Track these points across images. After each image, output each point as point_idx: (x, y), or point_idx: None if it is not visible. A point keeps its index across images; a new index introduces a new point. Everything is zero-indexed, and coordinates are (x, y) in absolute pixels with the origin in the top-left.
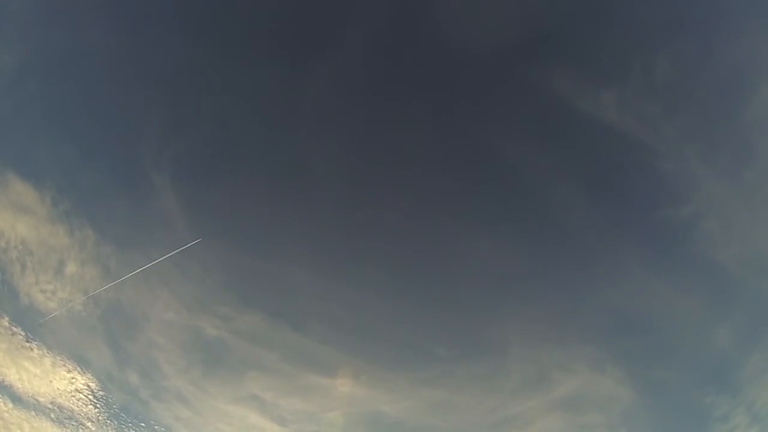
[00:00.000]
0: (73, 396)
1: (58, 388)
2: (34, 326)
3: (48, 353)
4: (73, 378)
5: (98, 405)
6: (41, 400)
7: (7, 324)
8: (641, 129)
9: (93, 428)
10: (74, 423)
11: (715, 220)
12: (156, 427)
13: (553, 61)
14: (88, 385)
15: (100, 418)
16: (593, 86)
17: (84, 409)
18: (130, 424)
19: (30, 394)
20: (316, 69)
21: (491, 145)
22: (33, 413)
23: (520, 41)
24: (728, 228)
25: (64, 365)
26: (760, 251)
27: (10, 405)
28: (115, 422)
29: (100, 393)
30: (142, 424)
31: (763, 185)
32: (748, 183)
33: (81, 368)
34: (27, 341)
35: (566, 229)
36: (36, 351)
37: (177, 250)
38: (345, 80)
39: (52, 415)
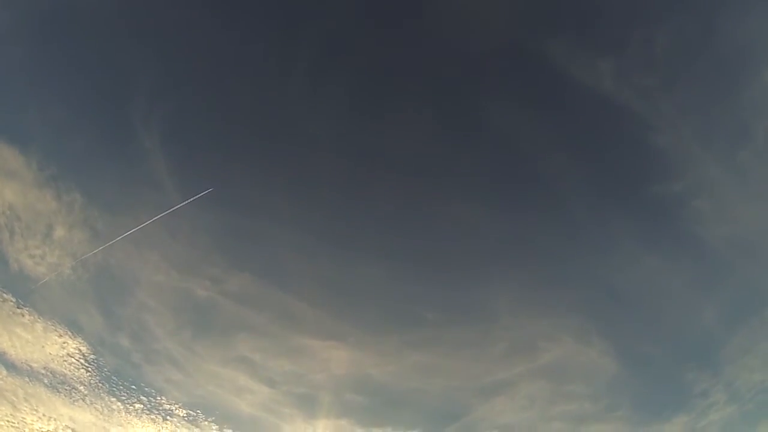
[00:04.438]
0: (65, 360)
1: (50, 353)
2: (24, 292)
3: (39, 319)
4: (64, 343)
5: (90, 369)
6: (34, 365)
7: None
8: (637, 102)
9: (85, 392)
10: (67, 387)
11: (707, 198)
12: (147, 389)
13: (550, 28)
14: (80, 349)
15: (91, 381)
16: (590, 55)
17: (76, 373)
18: (121, 387)
19: (23, 360)
20: (310, 31)
21: (484, 111)
22: (27, 379)
23: (518, 8)
24: (719, 208)
25: (56, 330)
26: (749, 233)
27: (5, 372)
28: (107, 385)
29: (92, 357)
30: (133, 387)
31: (757, 167)
32: (742, 164)
33: (72, 333)
34: (18, 307)
35: (557, 198)
36: (27, 317)
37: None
38: (338, 42)
39: (45, 381)
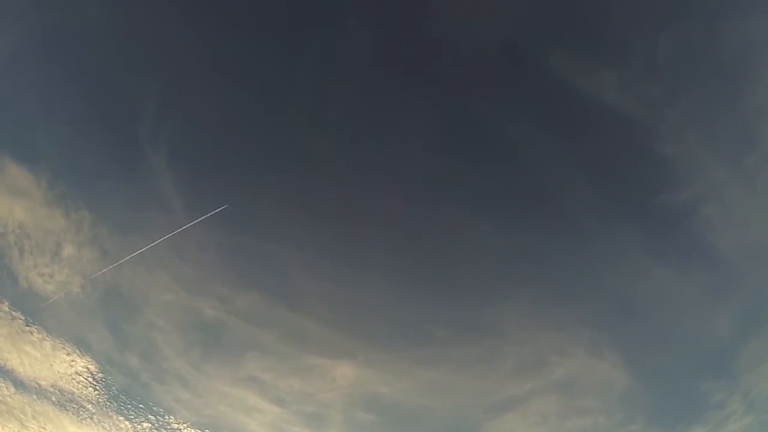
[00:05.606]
0: (74, 379)
1: (58, 371)
2: (33, 310)
3: (48, 337)
4: (72, 361)
5: (98, 387)
6: (42, 383)
7: (6, 309)
8: (642, 111)
9: (93, 410)
10: (75, 405)
11: (715, 206)
12: (155, 408)
13: (554, 39)
14: (88, 368)
15: (100, 400)
16: (594, 66)
17: (84, 392)
18: (129, 406)
19: (31, 378)
20: (314, 45)
21: (489, 124)
22: (35, 397)
23: (521, 19)
24: (728, 214)
25: (64, 348)
26: (760, 239)
27: (13, 389)
28: (115, 404)
29: (100, 375)
30: (141, 406)
31: (765, 172)
32: (750, 170)
33: (80, 351)
34: (27, 325)
35: (564, 211)
36: (36, 335)
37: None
38: (342, 58)
39: (54, 398)
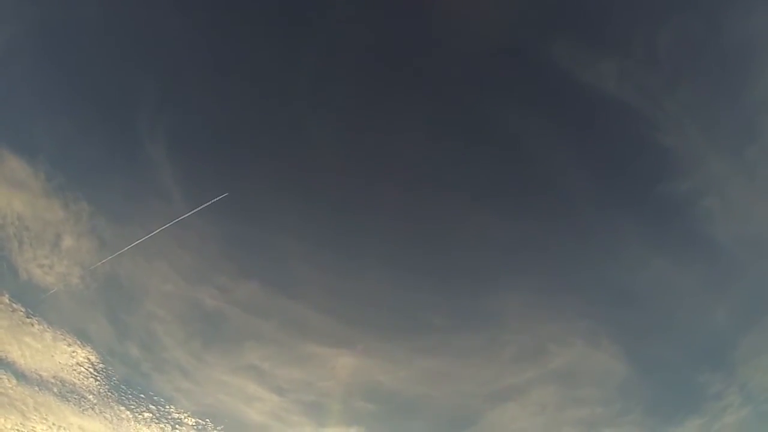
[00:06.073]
0: (74, 370)
1: (59, 363)
2: (33, 302)
3: (48, 328)
4: (73, 352)
5: (99, 378)
6: (44, 375)
7: (7, 301)
8: (642, 102)
9: (94, 401)
10: (76, 396)
11: (716, 197)
12: (155, 398)
13: (554, 29)
14: (89, 359)
15: (101, 390)
16: (594, 57)
17: (85, 383)
18: (130, 396)
19: (33, 370)
20: (312, 36)
21: (490, 115)
22: (36, 389)
23: (521, 9)
24: (728, 206)
25: (65, 339)
26: (759, 231)
27: (14, 381)
28: (116, 394)
29: (101, 366)
30: (142, 396)
31: (765, 164)
32: (750, 162)
33: (81, 342)
34: (27, 317)
35: (565, 201)
36: (36, 326)
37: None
38: (342, 48)
39: (55, 390)
